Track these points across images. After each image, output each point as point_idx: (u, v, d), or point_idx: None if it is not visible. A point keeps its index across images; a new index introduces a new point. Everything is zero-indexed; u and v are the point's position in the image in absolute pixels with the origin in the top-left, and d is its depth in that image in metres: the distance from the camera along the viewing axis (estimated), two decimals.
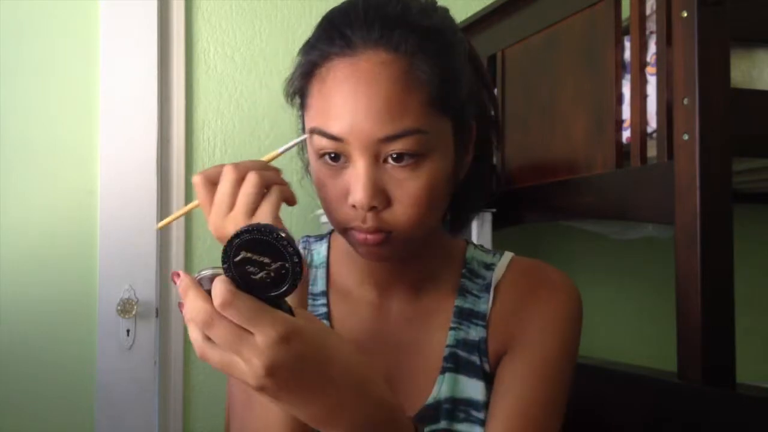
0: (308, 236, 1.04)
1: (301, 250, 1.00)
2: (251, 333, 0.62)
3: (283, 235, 0.61)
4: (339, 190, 0.83)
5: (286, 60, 1.95)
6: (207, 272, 0.65)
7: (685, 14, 1.21)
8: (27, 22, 1.84)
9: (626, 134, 1.41)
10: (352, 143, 0.80)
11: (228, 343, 0.63)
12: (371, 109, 0.79)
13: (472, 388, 0.92)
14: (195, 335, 0.64)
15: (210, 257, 1.87)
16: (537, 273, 0.97)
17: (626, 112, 1.41)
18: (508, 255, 1.00)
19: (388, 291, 0.95)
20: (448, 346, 0.92)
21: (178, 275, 0.65)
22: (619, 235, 1.81)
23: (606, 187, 1.45)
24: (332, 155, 0.82)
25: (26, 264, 1.80)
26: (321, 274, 0.98)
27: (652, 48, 1.36)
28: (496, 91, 1.84)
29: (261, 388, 0.64)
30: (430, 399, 0.91)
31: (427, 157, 0.82)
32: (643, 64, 1.37)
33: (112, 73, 1.86)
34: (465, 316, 0.94)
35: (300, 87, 0.87)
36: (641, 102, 1.36)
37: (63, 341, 1.82)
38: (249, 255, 0.62)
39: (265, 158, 0.84)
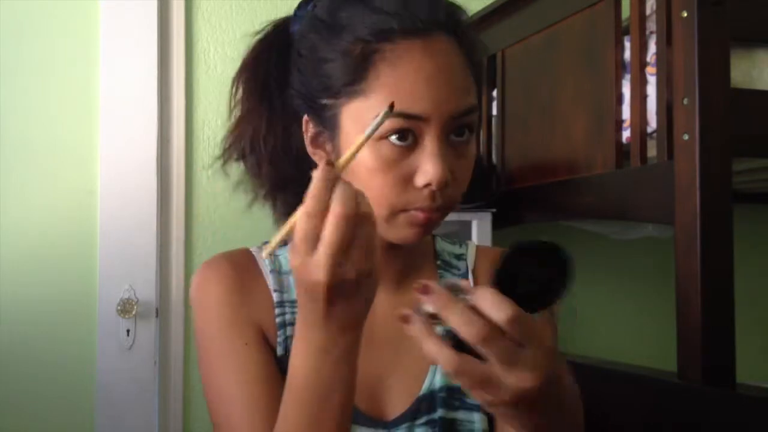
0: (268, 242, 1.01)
1: (267, 257, 0.97)
2: (524, 347, 0.63)
3: (566, 252, 0.63)
4: (403, 171, 0.83)
5: None
6: (452, 282, 0.66)
7: (685, 14, 1.21)
8: (27, 22, 1.84)
9: (626, 134, 1.41)
10: (431, 122, 0.82)
11: (506, 357, 0.63)
12: (449, 87, 0.83)
13: None
14: (447, 350, 0.64)
15: (210, 256, 1.86)
16: None
17: (626, 112, 1.41)
18: (472, 244, 1.02)
19: None
20: None
21: (428, 287, 0.64)
22: (619, 235, 1.81)
23: (606, 187, 1.45)
24: (400, 135, 0.82)
25: (26, 264, 1.80)
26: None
27: (652, 48, 1.35)
28: (495, 91, 1.84)
29: (519, 402, 0.64)
30: (424, 389, 0.91)
31: (473, 132, 0.87)
32: (643, 64, 1.37)
33: (112, 73, 1.86)
34: None
35: (354, 74, 0.83)
36: (641, 102, 1.36)
37: (63, 341, 1.82)
38: (525, 269, 0.64)
39: (350, 153, 0.71)
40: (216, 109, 1.95)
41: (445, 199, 0.84)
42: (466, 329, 0.62)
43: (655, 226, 1.71)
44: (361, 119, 0.83)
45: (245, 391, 0.87)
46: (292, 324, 0.93)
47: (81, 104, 1.86)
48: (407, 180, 0.83)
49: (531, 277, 0.64)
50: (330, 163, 0.67)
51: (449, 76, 0.83)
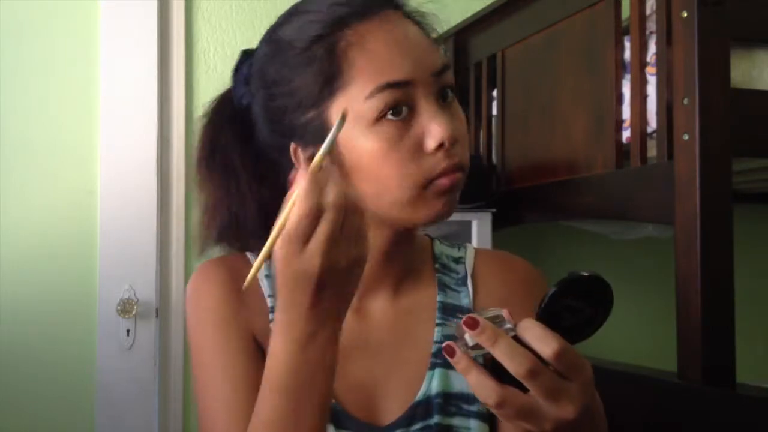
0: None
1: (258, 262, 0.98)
2: (568, 379, 0.65)
3: (607, 283, 0.65)
4: (411, 144, 0.83)
5: None
6: (494, 312, 0.67)
7: (685, 14, 1.20)
8: (27, 22, 1.84)
9: (626, 134, 1.41)
10: (417, 84, 0.83)
11: (550, 390, 0.64)
12: (420, 49, 0.85)
13: (464, 382, 0.91)
14: (491, 383, 0.65)
15: (210, 256, 1.85)
16: (512, 264, 1.00)
17: (626, 112, 1.41)
18: (470, 247, 1.02)
19: (367, 293, 0.94)
20: (436, 342, 0.92)
21: (476, 321, 0.65)
22: (619, 235, 1.81)
23: (606, 187, 1.45)
24: (394, 110, 0.82)
25: (26, 264, 1.80)
26: None
27: (652, 48, 1.35)
28: (495, 91, 1.84)
29: (558, 431, 0.65)
30: (420, 395, 0.91)
31: (455, 93, 0.88)
32: (643, 64, 1.37)
33: (112, 73, 1.86)
34: (449, 311, 0.94)
35: (327, 74, 0.84)
36: (641, 102, 1.36)
37: (63, 341, 1.82)
38: (570, 302, 0.65)
39: (319, 156, 0.71)
40: None
41: (460, 158, 0.85)
42: (514, 364, 0.64)
43: (655, 226, 1.71)
44: (352, 111, 0.82)
45: (234, 396, 0.86)
46: None
47: (81, 104, 1.86)
48: (418, 149, 0.83)
49: (574, 310, 0.66)
50: (311, 160, 0.69)
51: (415, 40, 0.85)
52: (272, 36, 0.90)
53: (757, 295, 2.14)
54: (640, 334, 2.17)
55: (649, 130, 1.35)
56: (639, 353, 1.91)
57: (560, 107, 1.60)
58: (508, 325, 0.66)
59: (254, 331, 0.91)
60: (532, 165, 1.70)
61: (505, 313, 0.67)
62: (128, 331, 1.83)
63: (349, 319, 0.93)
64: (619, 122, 1.42)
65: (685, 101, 1.20)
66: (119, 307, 1.82)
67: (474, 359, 0.67)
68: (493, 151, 1.84)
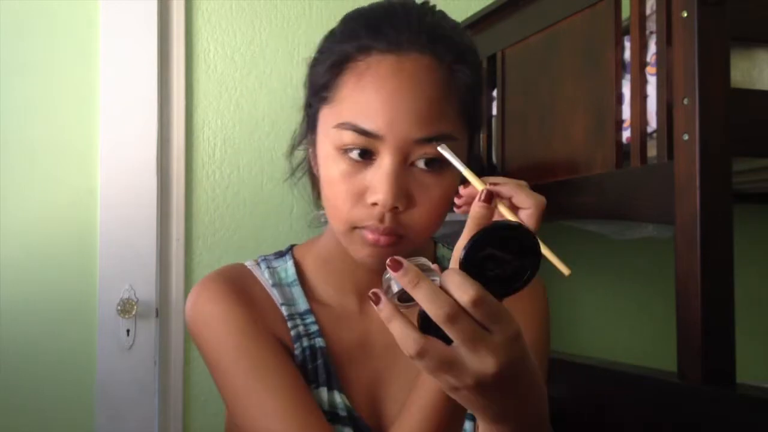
0: (264, 256, 1.00)
1: (265, 270, 0.97)
2: (489, 330, 0.62)
3: (535, 234, 0.63)
4: (356, 187, 0.82)
5: (285, 60, 1.95)
6: (422, 262, 0.65)
7: (685, 14, 1.20)
8: (27, 22, 1.84)
9: (626, 134, 1.41)
10: (387, 141, 0.80)
11: (468, 339, 0.62)
12: (413, 109, 0.80)
13: None
14: (412, 331, 0.63)
15: (210, 256, 1.87)
16: None
17: (626, 112, 1.41)
18: None
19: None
20: None
21: (399, 263, 0.62)
22: (619, 235, 1.81)
23: (606, 187, 1.45)
24: (360, 151, 0.81)
25: (26, 264, 1.80)
26: (298, 292, 0.96)
27: (652, 48, 1.35)
28: (495, 91, 1.84)
29: (481, 386, 0.63)
30: None
31: (451, 165, 0.83)
32: (643, 64, 1.37)
33: (112, 73, 1.86)
34: None
35: (328, 79, 0.85)
36: (641, 102, 1.36)
37: (63, 341, 1.82)
38: (493, 251, 0.63)
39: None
40: (216, 108, 1.95)
41: (398, 225, 0.82)
42: (432, 307, 0.61)
43: (655, 226, 1.71)
44: (325, 126, 0.84)
45: (285, 400, 0.85)
46: (307, 336, 0.92)
47: (81, 104, 1.86)
48: (360, 195, 0.82)
49: (501, 261, 0.63)
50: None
51: (415, 98, 0.81)
52: (344, 20, 0.89)
53: (757, 295, 2.15)
54: (640, 334, 2.17)
55: (649, 130, 1.35)
56: (639, 353, 1.92)
57: (560, 107, 1.60)
58: (435, 278, 0.64)
59: (277, 335, 0.91)
60: (532, 165, 1.70)
61: (435, 267, 0.66)
62: (128, 331, 1.83)
63: (354, 325, 0.94)
64: (619, 122, 1.42)
65: (685, 101, 1.20)
66: (119, 307, 1.82)
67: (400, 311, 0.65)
68: (493, 151, 1.85)
